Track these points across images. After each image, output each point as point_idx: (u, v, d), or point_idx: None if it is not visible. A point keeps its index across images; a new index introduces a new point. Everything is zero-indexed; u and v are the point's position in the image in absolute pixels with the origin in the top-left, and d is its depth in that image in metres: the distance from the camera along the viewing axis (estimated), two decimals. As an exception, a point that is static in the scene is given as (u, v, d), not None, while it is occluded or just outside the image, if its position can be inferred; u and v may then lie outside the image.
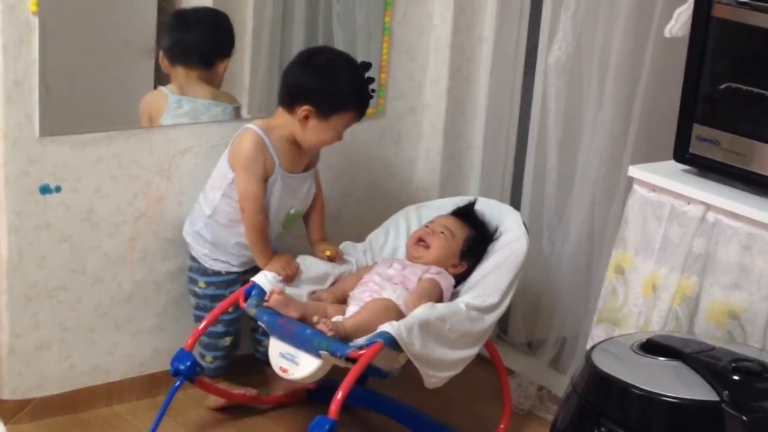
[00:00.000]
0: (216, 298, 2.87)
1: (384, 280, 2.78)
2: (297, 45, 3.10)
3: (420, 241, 2.90)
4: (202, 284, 2.90)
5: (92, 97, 2.84)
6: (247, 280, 2.82)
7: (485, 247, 2.90)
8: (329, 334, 2.55)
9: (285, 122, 2.77)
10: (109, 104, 2.87)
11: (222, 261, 2.87)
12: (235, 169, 2.77)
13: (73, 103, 2.81)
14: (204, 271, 2.89)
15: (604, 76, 3.01)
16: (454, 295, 2.84)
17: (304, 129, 2.75)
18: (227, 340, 2.93)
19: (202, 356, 2.94)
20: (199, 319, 2.89)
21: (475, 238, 2.91)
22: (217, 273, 2.88)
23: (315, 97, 2.73)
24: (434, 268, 2.83)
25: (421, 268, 2.84)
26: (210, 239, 2.86)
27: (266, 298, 2.65)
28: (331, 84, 2.74)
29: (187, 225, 2.91)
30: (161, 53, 2.89)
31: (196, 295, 2.92)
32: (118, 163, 2.87)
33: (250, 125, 2.79)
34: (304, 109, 2.73)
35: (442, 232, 2.89)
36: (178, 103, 2.92)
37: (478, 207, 2.99)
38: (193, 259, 2.90)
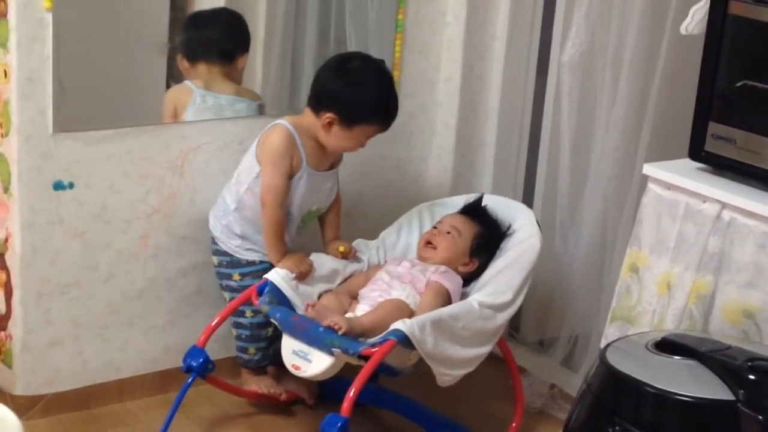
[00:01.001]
0: None
1: (393, 279, 2.78)
2: (309, 43, 3.10)
3: (428, 243, 2.89)
4: (236, 277, 2.88)
5: (105, 93, 2.84)
6: None
7: (497, 244, 2.90)
8: (339, 332, 2.54)
9: (311, 123, 2.78)
10: (121, 101, 2.88)
11: (255, 251, 2.87)
12: (262, 163, 2.77)
13: (86, 100, 2.81)
14: (237, 263, 2.88)
15: (618, 74, 3.00)
16: (467, 294, 2.84)
17: (327, 134, 2.76)
18: (269, 330, 2.91)
19: (244, 349, 2.93)
20: (237, 313, 2.88)
21: (484, 235, 2.90)
22: (252, 263, 2.87)
23: (340, 106, 2.72)
24: (442, 268, 2.83)
25: (431, 267, 2.83)
26: (239, 232, 2.85)
27: (304, 310, 2.66)
28: (357, 94, 2.73)
29: (212, 220, 2.91)
30: (179, 56, 2.90)
31: (231, 289, 2.90)
32: (131, 159, 2.87)
33: (280, 121, 2.79)
34: (328, 116, 2.73)
35: (448, 232, 2.89)
36: (203, 98, 2.93)
37: (491, 205, 2.98)
38: (224, 253, 2.88)
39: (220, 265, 2.91)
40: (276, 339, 2.91)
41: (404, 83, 3.25)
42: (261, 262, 2.87)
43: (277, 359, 2.87)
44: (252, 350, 2.94)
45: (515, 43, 3.27)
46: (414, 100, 3.30)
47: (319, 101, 2.76)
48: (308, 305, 2.67)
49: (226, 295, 2.92)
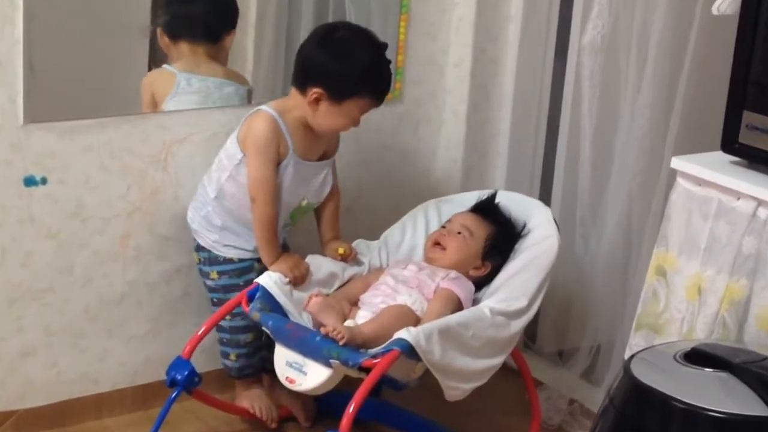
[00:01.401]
0: (230, 289, 2.86)
1: (398, 283, 2.77)
2: (306, 23, 3.09)
3: (436, 244, 2.88)
4: (214, 275, 2.89)
5: (81, 80, 2.83)
6: (264, 268, 2.81)
7: (511, 246, 2.89)
8: (341, 342, 2.53)
9: (298, 104, 2.77)
10: (99, 88, 2.87)
11: (234, 247, 2.87)
12: (248, 155, 2.77)
13: (61, 87, 2.80)
14: (215, 260, 2.88)
15: (644, 58, 2.99)
16: (477, 300, 2.83)
17: (315, 112, 2.75)
18: (249, 336, 2.91)
19: (226, 355, 2.94)
20: None
21: (498, 236, 2.89)
22: (230, 260, 2.87)
23: (327, 79, 2.71)
24: (453, 273, 2.82)
25: (438, 271, 2.82)
26: (219, 224, 2.85)
27: (305, 302, 2.65)
28: (345, 65, 2.72)
29: (191, 211, 2.91)
30: (159, 30, 2.88)
31: (209, 288, 2.91)
32: (110, 152, 2.86)
33: (263, 107, 2.79)
34: (314, 92, 2.72)
35: (459, 233, 2.88)
36: (188, 81, 2.92)
37: (503, 201, 2.98)
38: (201, 248, 2.89)
39: (200, 261, 2.92)
40: (261, 347, 2.92)
41: (410, 68, 3.24)
42: (240, 260, 2.87)
43: (267, 367, 2.88)
44: (233, 356, 2.94)
45: (531, 23, 3.26)
46: (421, 86, 3.29)
47: (304, 77, 2.75)
48: (311, 296, 2.65)
49: (208, 295, 2.92)
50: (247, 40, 3.04)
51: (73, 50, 2.80)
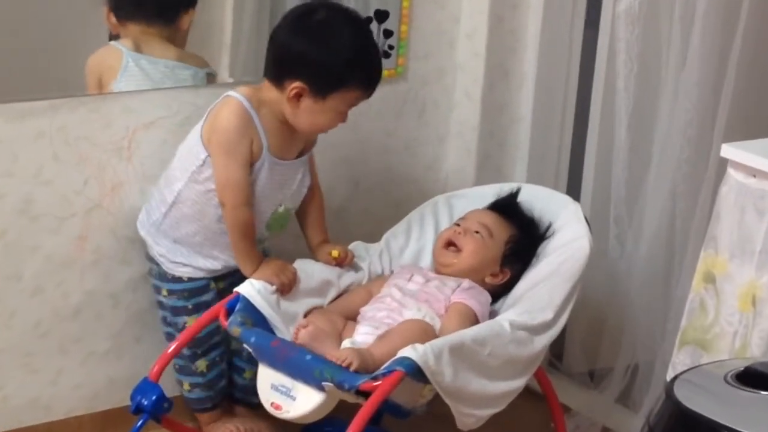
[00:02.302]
0: (178, 312, 2.90)
1: (405, 296, 2.78)
2: (292, -1, 3.11)
3: (449, 244, 2.89)
4: (164, 292, 2.92)
5: (30, 55, 2.84)
6: (224, 289, 2.83)
7: (534, 250, 2.90)
8: (351, 368, 2.54)
9: (274, 99, 2.77)
10: (52, 65, 2.88)
11: (183, 264, 2.88)
12: (213, 151, 2.77)
13: (6, 64, 2.81)
14: (164, 276, 2.90)
15: (689, 28, 2.99)
16: (495, 312, 2.85)
17: (296, 110, 2.75)
18: (202, 364, 2.94)
19: (180, 383, 2.96)
20: (170, 337, 2.91)
21: (520, 239, 2.91)
22: (178, 279, 2.90)
23: (307, 71, 2.72)
24: (465, 283, 2.83)
25: (449, 281, 2.83)
26: (171, 234, 2.86)
27: (293, 334, 2.66)
28: (326, 53, 2.72)
29: (143, 215, 2.92)
30: (106, 10, 2.89)
31: (161, 306, 2.94)
32: (64, 139, 2.87)
33: (233, 93, 2.79)
34: (294, 86, 2.72)
35: (477, 232, 2.89)
36: (137, 62, 2.93)
37: (525, 197, 2.99)
38: (151, 259, 2.92)
39: (150, 273, 2.94)
40: (220, 376, 2.94)
41: (415, 41, 3.26)
42: (190, 279, 2.88)
43: (236, 396, 2.92)
44: (186, 385, 2.95)
45: (557, -12, 3.28)
46: (427, 62, 3.30)
47: (280, 70, 2.75)
48: (299, 328, 2.67)
49: (160, 312, 2.95)
50: (226, 11, 3.05)
51: (21, 22, 2.81)
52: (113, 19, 2.91)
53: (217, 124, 2.76)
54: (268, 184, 2.82)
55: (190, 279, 2.89)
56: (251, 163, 2.77)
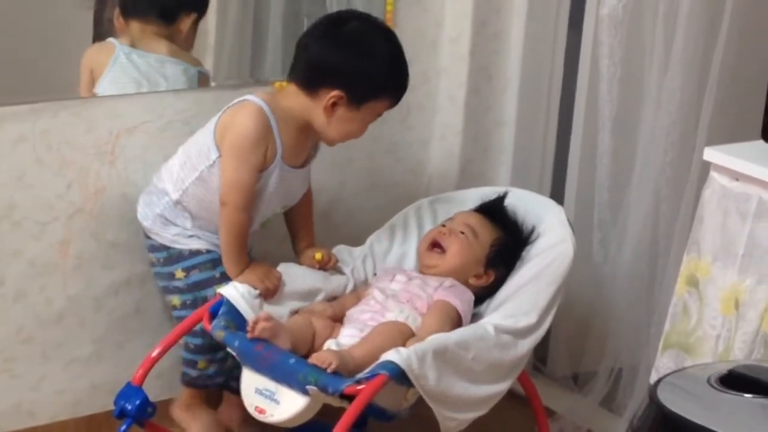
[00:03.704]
0: (205, 284, 2.86)
1: (387, 298, 2.79)
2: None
3: (434, 245, 2.90)
4: (180, 274, 2.88)
5: (13, 58, 2.84)
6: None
7: (519, 253, 2.91)
8: (329, 370, 2.54)
9: (300, 106, 2.77)
10: (34, 68, 2.88)
11: (199, 237, 2.87)
12: (225, 152, 2.77)
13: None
14: (178, 256, 2.88)
15: (672, 32, 3.00)
16: (479, 316, 2.84)
17: (330, 118, 2.77)
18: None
19: (193, 363, 2.91)
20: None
21: (505, 242, 2.91)
22: (197, 252, 2.87)
23: (347, 81, 2.73)
24: (448, 281, 2.83)
25: (431, 280, 2.84)
26: (178, 223, 2.86)
27: (248, 327, 2.64)
28: (367, 63, 2.75)
29: (142, 207, 2.91)
30: (117, 12, 2.92)
31: (178, 291, 2.89)
32: (46, 143, 2.87)
33: (251, 97, 2.78)
34: (333, 95, 2.74)
35: (462, 232, 2.89)
36: (128, 56, 2.94)
37: (509, 200, 3.00)
38: (159, 247, 2.89)
39: (157, 263, 2.91)
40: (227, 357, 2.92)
41: (398, 45, 3.26)
42: (209, 251, 2.87)
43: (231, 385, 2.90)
44: (202, 363, 2.92)
45: (541, -8, 3.28)
46: (411, 66, 3.24)
47: (316, 78, 2.76)
48: (256, 319, 2.62)
49: (175, 299, 2.89)
50: (209, 16, 3.05)
51: (3, 23, 2.81)
52: (122, 21, 2.93)
53: (233, 127, 2.76)
54: (277, 189, 2.82)
55: (209, 251, 2.87)
56: (262, 169, 2.78)
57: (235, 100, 2.80)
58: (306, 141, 2.84)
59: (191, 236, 2.87)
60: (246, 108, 2.76)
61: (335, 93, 2.74)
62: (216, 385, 2.97)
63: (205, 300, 2.85)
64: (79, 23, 2.93)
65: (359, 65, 2.75)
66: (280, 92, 2.81)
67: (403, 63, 2.83)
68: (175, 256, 2.88)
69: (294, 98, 2.78)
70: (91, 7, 2.91)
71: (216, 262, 2.86)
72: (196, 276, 2.87)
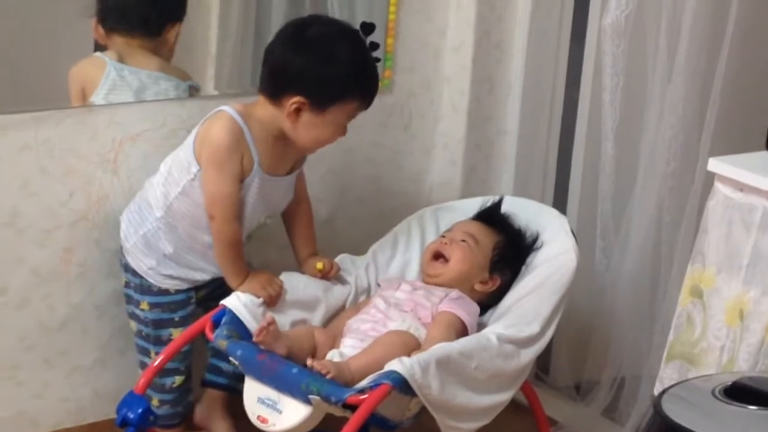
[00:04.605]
0: (162, 324, 2.88)
1: (390, 307, 2.78)
2: (278, 8, 3.12)
3: (437, 256, 2.90)
4: (144, 306, 2.90)
5: (15, 67, 2.84)
6: (204, 299, 2.84)
7: (522, 259, 2.91)
8: (327, 376, 2.54)
9: (269, 115, 2.77)
10: (37, 77, 2.88)
11: (173, 277, 2.87)
12: (203, 165, 2.77)
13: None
14: (147, 289, 2.89)
15: (675, 42, 3.00)
16: (483, 325, 2.84)
17: (296, 125, 2.75)
18: (176, 380, 2.93)
19: (149, 398, 2.93)
20: (142, 351, 2.91)
21: (507, 245, 2.91)
22: (165, 292, 2.88)
23: (307, 85, 2.72)
24: (454, 293, 2.83)
25: (437, 291, 2.83)
26: (167, 251, 2.85)
27: (255, 333, 2.64)
28: (326, 66, 2.73)
29: (125, 225, 2.90)
30: (94, 21, 2.90)
31: (137, 319, 2.92)
32: (49, 152, 2.86)
33: (225, 108, 2.78)
34: (294, 101, 2.73)
35: (463, 240, 2.89)
36: (119, 72, 2.93)
37: (512, 210, 3.00)
38: (132, 272, 2.90)
39: (127, 285, 2.92)
40: (188, 391, 2.93)
41: (401, 53, 3.26)
42: (177, 291, 2.88)
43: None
44: (156, 401, 2.93)
45: (544, 1, 3.28)
46: (413, 75, 3.30)
47: (277, 86, 2.75)
48: (262, 326, 2.61)
49: (135, 326, 2.93)
50: (211, 22, 3.05)
51: (5, 32, 2.81)
52: (101, 30, 2.91)
53: (208, 138, 2.76)
54: (257, 199, 2.81)
55: (177, 291, 2.88)
56: (242, 179, 2.77)
57: (212, 111, 2.80)
58: (285, 149, 2.82)
59: (164, 275, 2.87)
60: (219, 119, 2.76)
61: (296, 99, 2.72)
62: (171, 426, 2.98)
63: (159, 339, 2.89)
64: (80, 33, 2.92)
65: (318, 69, 2.73)
66: (257, 103, 2.81)
67: (368, 64, 2.80)
68: (145, 288, 2.89)
69: (263, 108, 2.78)
70: (92, 17, 2.91)
71: (179, 304, 2.88)
72: (158, 314, 2.89)
